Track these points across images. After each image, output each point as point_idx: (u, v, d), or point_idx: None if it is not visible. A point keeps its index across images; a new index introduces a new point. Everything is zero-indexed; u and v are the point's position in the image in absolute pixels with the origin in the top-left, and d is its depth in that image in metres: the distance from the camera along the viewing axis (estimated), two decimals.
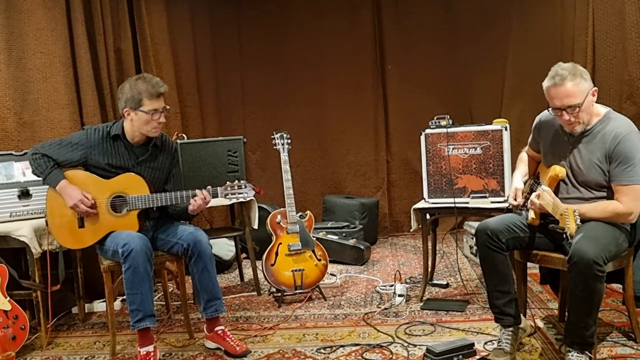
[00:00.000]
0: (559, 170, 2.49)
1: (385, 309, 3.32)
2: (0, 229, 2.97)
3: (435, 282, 3.74)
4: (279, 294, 3.55)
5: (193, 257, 2.80)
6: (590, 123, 2.45)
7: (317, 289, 3.60)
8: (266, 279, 3.53)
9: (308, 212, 3.66)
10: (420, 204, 3.41)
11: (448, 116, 3.36)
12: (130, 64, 4.28)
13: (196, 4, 5.18)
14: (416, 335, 2.88)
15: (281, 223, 3.53)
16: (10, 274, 2.88)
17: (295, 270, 3.50)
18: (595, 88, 2.41)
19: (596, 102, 2.46)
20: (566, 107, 2.37)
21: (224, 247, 4.50)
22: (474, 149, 3.27)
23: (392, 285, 3.61)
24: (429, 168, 3.37)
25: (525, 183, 2.76)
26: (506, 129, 3.22)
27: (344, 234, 4.63)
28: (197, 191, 2.79)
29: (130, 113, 2.78)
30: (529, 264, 2.75)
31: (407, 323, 3.05)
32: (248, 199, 2.89)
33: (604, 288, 2.24)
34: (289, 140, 3.63)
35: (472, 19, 5.33)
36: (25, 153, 3.13)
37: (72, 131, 3.49)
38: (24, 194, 3.14)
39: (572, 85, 2.34)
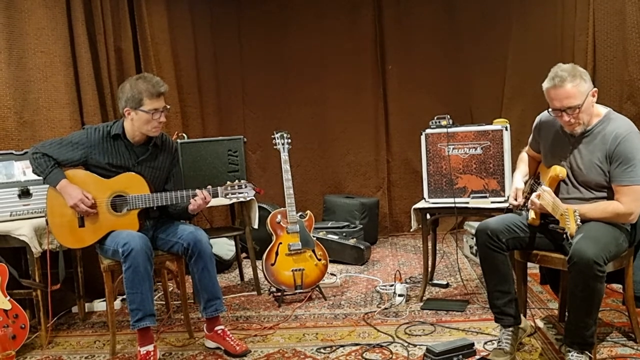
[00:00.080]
0: (559, 170, 2.49)
1: (385, 308, 3.32)
2: (1, 228, 2.97)
3: (435, 282, 3.74)
4: (279, 294, 3.55)
5: (193, 256, 2.80)
6: (590, 124, 2.45)
7: (317, 288, 3.61)
8: (266, 278, 3.53)
9: (308, 211, 3.66)
10: (421, 204, 3.41)
11: (448, 116, 3.36)
12: (131, 64, 4.28)
13: (196, 4, 5.19)
14: (416, 335, 2.88)
15: (281, 223, 3.53)
16: (11, 273, 2.88)
17: (296, 270, 3.50)
18: (595, 89, 2.41)
19: (596, 102, 2.45)
20: (566, 108, 2.36)
21: (224, 246, 4.50)
22: (474, 149, 3.27)
23: (392, 285, 3.61)
24: (429, 168, 3.37)
25: (525, 183, 2.76)
26: (506, 129, 3.22)
27: (344, 234, 4.63)
28: (198, 191, 2.79)
29: (131, 112, 2.78)
30: (529, 264, 2.75)
31: (407, 323, 3.05)
32: (248, 198, 2.89)
33: (604, 288, 2.24)
34: (289, 140, 3.63)
35: (472, 19, 5.34)
36: (26, 152, 3.13)
37: (73, 130, 3.49)
38: (24, 193, 3.14)
39: (571, 86, 2.34)
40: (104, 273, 2.83)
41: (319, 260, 3.56)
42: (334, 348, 2.77)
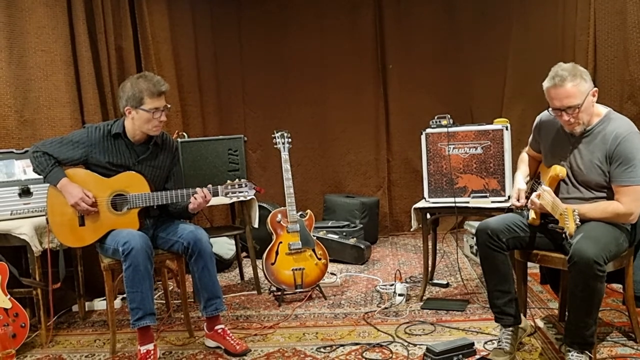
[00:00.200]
0: (559, 170, 2.49)
1: (386, 308, 3.32)
2: (1, 227, 2.97)
3: (435, 281, 3.74)
4: (279, 293, 3.55)
5: (193, 255, 2.80)
6: (590, 123, 2.45)
7: (317, 288, 3.61)
8: (266, 277, 3.53)
9: (308, 211, 3.66)
10: (421, 204, 3.41)
11: (449, 116, 3.36)
12: (131, 63, 4.28)
13: (197, 3, 5.19)
14: (416, 335, 2.88)
15: (282, 222, 3.53)
16: (11, 272, 2.88)
17: (296, 269, 3.50)
18: (596, 89, 2.41)
19: (597, 102, 2.45)
20: (566, 108, 2.36)
21: (224, 245, 4.50)
22: (474, 149, 3.27)
23: (392, 285, 3.61)
24: (429, 167, 3.37)
25: (526, 184, 2.76)
26: (507, 129, 3.22)
27: (344, 233, 4.63)
28: (198, 190, 2.79)
29: (132, 111, 2.78)
30: (529, 264, 2.75)
31: (407, 322, 3.05)
32: (248, 197, 2.89)
33: (604, 288, 2.24)
34: (290, 139, 3.63)
35: (472, 18, 5.34)
36: (26, 151, 3.13)
37: (73, 129, 3.49)
38: (25, 192, 3.14)
39: (572, 86, 2.33)
40: (104, 272, 2.83)
41: (319, 259, 3.56)
42: (334, 347, 2.77)
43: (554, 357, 2.54)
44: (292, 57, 5.52)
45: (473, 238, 4.06)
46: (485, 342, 2.71)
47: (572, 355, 2.31)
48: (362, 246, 4.44)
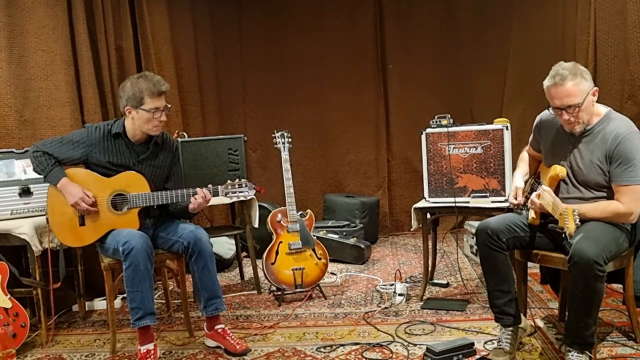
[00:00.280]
0: (559, 170, 2.49)
1: (386, 308, 3.32)
2: (1, 226, 2.97)
3: (435, 281, 3.74)
4: (279, 293, 3.55)
5: (193, 255, 2.80)
6: (590, 123, 2.45)
7: (317, 287, 3.61)
8: (266, 277, 3.53)
9: (308, 210, 3.66)
10: (421, 203, 3.41)
11: (449, 115, 3.35)
12: (132, 62, 4.28)
13: (197, 3, 5.19)
14: (416, 335, 2.88)
15: (282, 222, 3.53)
16: (11, 272, 2.88)
17: (296, 269, 3.50)
18: (596, 88, 2.41)
19: (597, 101, 2.45)
20: (566, 107, 2.36)
21: (224, 245, 4.50)
22: (474, 149, 3.27)
23: (392, 285, 3.61)
24: (429, 167, 3.37)
25: (526, 182, 2.76)
26: (507, 129, 3.22)
27: (344, 233, 4.63)
28: (198, 190, 2.79)
29: (132, 111, 2.78)
30: (529, 264, 2.75)
31: (407, 322, 3.05)
32: (249, 197, 2.89)
33: (604, 288, 2.24)
34: (290, 139, 3.63)
35: (472, 18, 5.34)
36: (26, 151, 3.13)
37: (73, 129, 3.49)
38: (25, 192, 3.14)
39: (572, 84, 2.33)
40: (105, 271, 2.83)
41: (319, 259, 3.56)
42: (334, 347, 2.77)
43: (554, 357, 2.54)
44: (292, 57, 5.53)
45: (473, 238, 4.06)
46: (485, 342, 2.71)
47: (572, 355, 2.31)
48: (362, 246, 4.44)
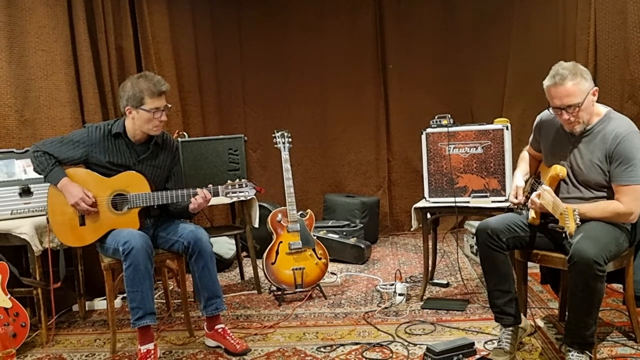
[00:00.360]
0: (559, 169, 2.49)
1: (386, 308, 3.32)
2: (1, 226, 2.97)
3: (435, 281, 3.74)
4: (280, 293, 3.56)
5: (194, 255, 2.80)
6: (590, 123, 2.45)
7: (317, 287, 3.61)
8: (267, 277, 3.53)
9: (309, 210, 3.67)
10: (421, 203, 3.41)
11: (449, 115, 3.35)
12: (132, 62, 4.28)
13: (197, 3, 5.19)
14: (416, 335, 2.89)
15: (282, 222, 3.53)
16: (11, 272, 2.88)
17: (296, 269, 3.50)
18: (596, 88, 2.41)
19: (597, 101, 2.45)
20: (566, 107, 2.36)
21: (224, 245, 4.50)
22: (475, 148, 3.27)
23: (392, 284, 3.61)
24: (429, 167, 3.37)
25: (526, 182, 2.76)
26: (507, 128, 3.22)
27: (344, 233, 4.63)
28: (198, 190, 2.79)
29: (132, 111, 2.78)
30: (529, 264, 2.75)
31: (408, 322, 3.05)
32: (249, 197, 2.89)
33: (604, 288, 2.24)
34: (290, 139, 3.63)
35: (473, 18, 5.34)
36: (27, 151, 3.14)
37: (74, 129, 3.49)
38: (25, 192, 3.14)
39: (572, 84, 2.33)
40: (105, 271, 2.83)
41: (320, 259, 3.56)
42: (334, 347, 2.77)
43: (554, 357, 2.54)
44: (292, 57, 5.53)
45: (473, 238, 4.06)
46: (486, 342, 2.71)
47: (572, 355, 2.31)
48: (362, 246, 4.44)
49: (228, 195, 2.83)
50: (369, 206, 5.13)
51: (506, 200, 3.11)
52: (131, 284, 2.65)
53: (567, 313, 2.40)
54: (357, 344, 2.79)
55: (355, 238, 4.55)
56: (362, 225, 4.89)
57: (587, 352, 2.30)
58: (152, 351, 2.68)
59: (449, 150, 3.31)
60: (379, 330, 2.97)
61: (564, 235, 2.30)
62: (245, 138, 3.95)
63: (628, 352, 2.52)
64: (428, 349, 2.53)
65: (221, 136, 3.99)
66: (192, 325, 3.08)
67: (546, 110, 2.55)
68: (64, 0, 3.74)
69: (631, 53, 3.63)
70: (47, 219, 2.85)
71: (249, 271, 4.16)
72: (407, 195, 5.53)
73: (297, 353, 2.73)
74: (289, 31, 5.52)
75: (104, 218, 2.80)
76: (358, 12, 5.48)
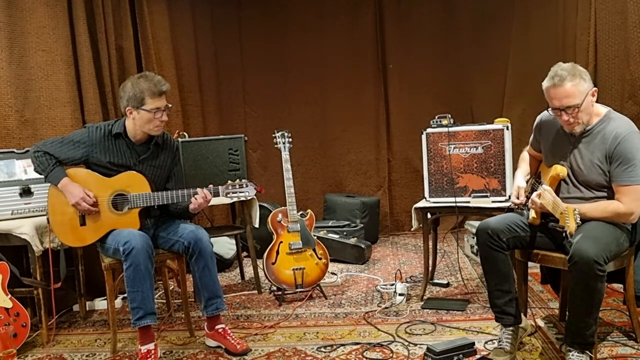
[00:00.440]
0: (560, 169, 2.49)
1: (386, 308, 3.32)
2: (2, 226, 2.97)
3: (435, 281, 3.74)
4: (280, 293, 3.56)
5: (194, 255, 2.80)
6: (590, 123, 2.45)
7: (317, 287, 3.61)
8: (267, 277, 3.53)
9: (309, 210, 3.67)
10: (421, 203, 3.41)
11: (449, 115, 3.36)
12: (132, 62, 4.28)
13: (197, 3, 5.19)
14: (417, 334, 2.89)
15: (282, 222, 3.53)
16: (12, 272, 2.88)
17: (296, 269, 3.50)
18: (595, 88, 2.41)
19: (597, 101, 2.45)
20: (565, 108, 2.36)
21: (224, 245, 4.51)
22: (475, 148, 3.27)
23: (392, 284, 3.61)
24: (430, 167, 3.37)
25: (527, 182, 2.76)
26: (508, 128, 3.22)
27: (344, 233, 4.63)
28: (199, 190, 2.79)
29: (133, 111, 2.78)
30: (529, 264, 2.75)
31: (408, 322, 3.05)
32: (249, 197, 2.89)
33: (604, 288, 2.24)
34: (290, 139, 3.63)
35: (473, 18, 5.34)
36: (27, 151, 3.14)
37: (74, 129, 3.50)
38: (26, 192, 3.14)
39: (571, 85, 2.33)
40: (105, 271, 2.83)
41: (320, 259, 3.56)
42: (334, 347, 2.77)
43: (555, 356, 2.54)
44: (292, 57, 5.53)
45: (473, 238, 4.06)
46: (486, 342, 2.72)
47: (572, 355, 2.31)
48: (363, 246, 4.44)
49: (228, 195, 2.83)
50: (369, 206, 5.14)
51: (507, 201, 3.11)
52: (132, 284, 2.65)
53: (567, 313, 2.40)
54: (357, 344, 2.79)
55: (355, 238, 4.55)
56: (362, 225, 4.89)
57: (587, 352, 2.30)
58: (153, 351, 2.68)
59: (449, 150, 3.32)
60: (379, 330, 2.97)
61: (564, 234, 2.30)
62: (246, 138, 3.95)
63: (628, 352, 2.52)
64: (428, 349, 2.53)
65: (221, 136, 4.00)
66: (192, 325, 3.08)
67: (546, 111, 2.55)
68: (64, 0, 3.74)
69: (631, 53, 3.63)
70: (48, 219, 2.86)
71: (249, 271, 4.16)
72: (407, 195, 5.53)
73: (297, 353, 2.73)
74: (289, 31, 5.52)
75: (105, 218, 2.80)
76: (358, 12, 5.49)
